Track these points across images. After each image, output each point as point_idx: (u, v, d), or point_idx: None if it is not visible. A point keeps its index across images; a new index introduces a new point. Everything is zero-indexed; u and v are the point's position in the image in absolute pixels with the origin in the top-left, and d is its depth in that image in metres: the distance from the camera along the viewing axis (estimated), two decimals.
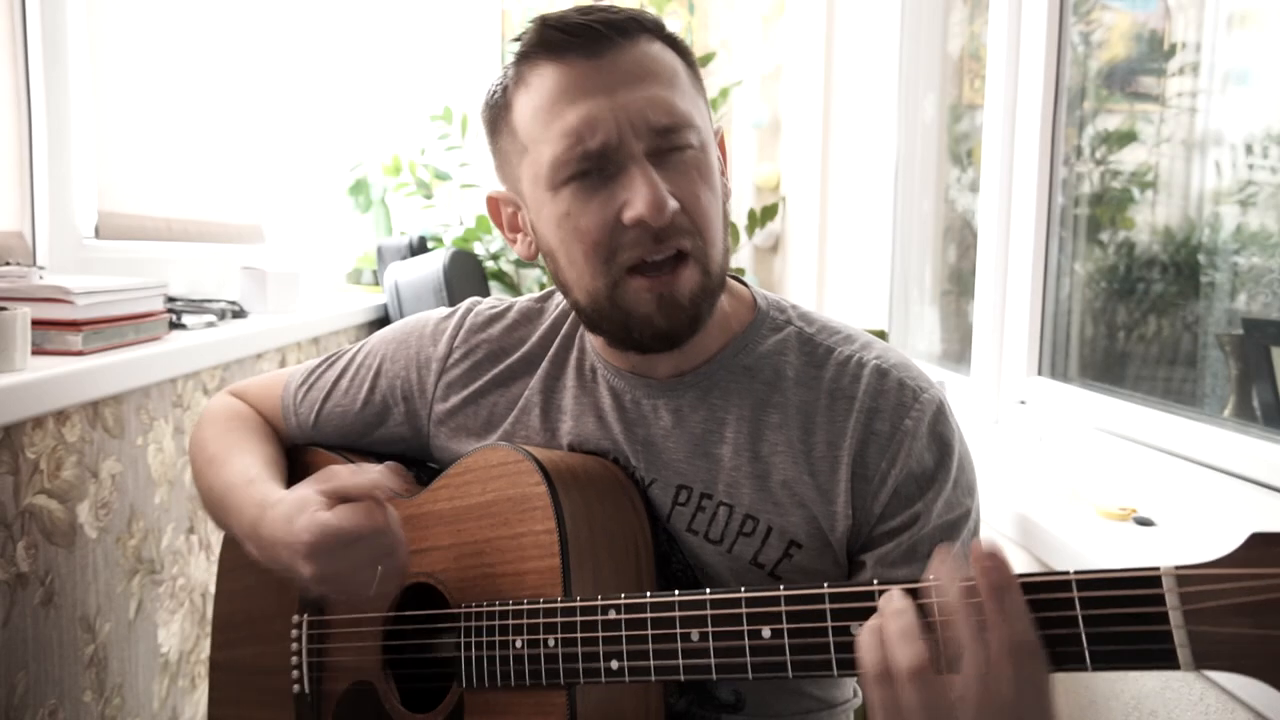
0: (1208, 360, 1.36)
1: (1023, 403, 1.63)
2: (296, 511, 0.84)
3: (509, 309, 1.02)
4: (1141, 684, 0.99)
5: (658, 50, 0.85)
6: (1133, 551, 1.03)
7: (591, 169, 0.82)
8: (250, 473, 0.97)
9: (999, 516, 1.24)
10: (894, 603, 0.65)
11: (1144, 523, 1.12)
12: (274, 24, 2.51)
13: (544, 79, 0.83)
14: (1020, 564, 1.21)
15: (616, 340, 0.89)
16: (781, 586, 0.70)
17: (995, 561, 0.61)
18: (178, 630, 1.43)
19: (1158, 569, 0.57)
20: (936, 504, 0.85)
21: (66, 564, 1.14)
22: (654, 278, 0.83)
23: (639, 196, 0.80)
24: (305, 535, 0.82)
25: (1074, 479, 1.31)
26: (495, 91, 0.89)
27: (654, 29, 0.86)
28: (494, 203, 0.95)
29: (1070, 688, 1.12)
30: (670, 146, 0.82)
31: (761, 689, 0.91)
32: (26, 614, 1.07)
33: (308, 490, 0.85)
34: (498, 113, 0.89)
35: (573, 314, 0.98)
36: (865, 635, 0.65)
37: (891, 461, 0.85)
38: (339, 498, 0.83)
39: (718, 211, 0.86)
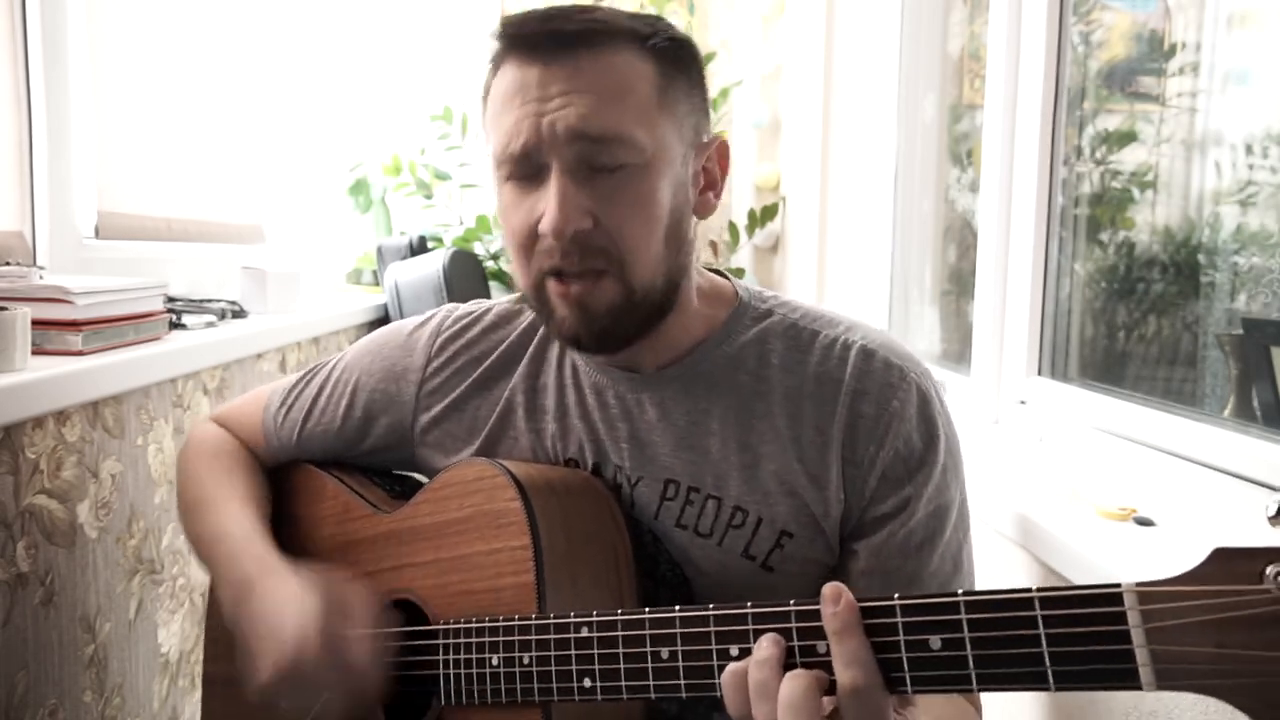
0: (1208, 360, 1.36)
1: (1023, 403, 1.63)
2: (294, 621, 0.84)
3: (486, 312, 1.02)
4: None
5: (623, 61, 0.82)
6: (1133, 551, 1.03)
7: (519, 172, 0.83)
8: (245, 526, 0.97)
9: (999, 516, 1.24)
10: (760, 651, 0.66)
11: (1144, 523, 1.12)
12: (274, 24, 2.51)
13: (506, 74, 0.85)
14: (1020, 565, 1.21)
15: (548, 330, 0.91)
16: (749, 604, 0.69)
17: (839, 605, 0.63)
18: (178, 630, 1.43)
19: (1119, 586, 0.56)
20: (927, 488, 0.85)
21: (66, 564, 1.14)
22: (566, 284, 0.83)
23: (545, 209, 0.81)
24: (289, 652, 0.82)
25: (1074, 479, 1.31)
26: (485, 80, 0.91)
27: (628, 35, 0.83)
28: None
29: None
30: (599, 163, 0.81)
31: None
32: (26, 614, 1.07)
33: (311, 599, 0.84)
34: (484, 93, 0.90)
35: None
36: (727, 677, 0.66)
37: (880, 444, 0.85)
38: (337, 639, 0.83)
39: (651, 232, 0.83)
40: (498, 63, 0.86)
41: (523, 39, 0.83)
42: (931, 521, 0.85)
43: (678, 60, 0.86)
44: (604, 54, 0.82)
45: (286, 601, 0.86)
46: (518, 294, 1.03)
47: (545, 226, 0.81)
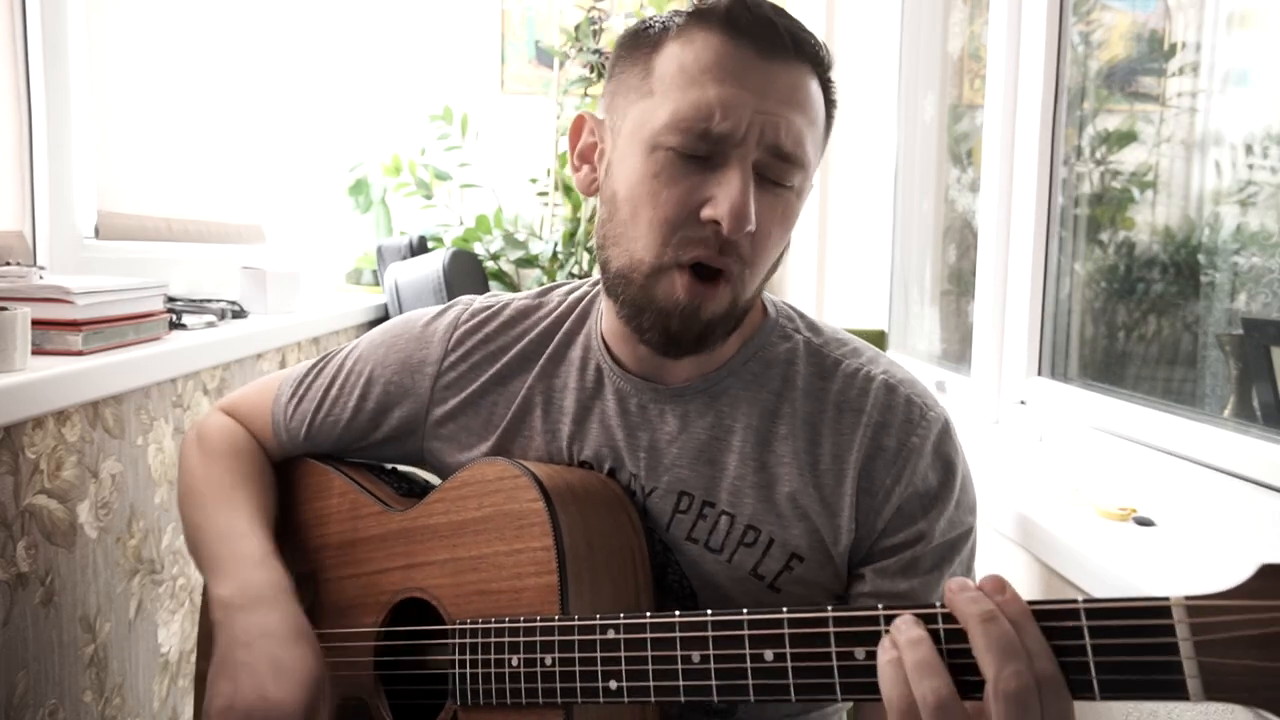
0: (1208, 360, 1.36)
1: (1023, 403, 1.63)
2: (287, 678, 0.82)
3: (504, 306, 1.00)
4: None
5: (816, 89, 0.83)
6: (1133, 552, 1.03)
7: (700, 150, 0.79)
8: (239, 528, 0.95)
9: (999, 516, 1.24)
10: (909, 632, 0.62)
11: (1144, 523, 1.12)
12: (273, 24, 2.51)
13: (709, 45, 0.80)
14: (1021, 565, 1.21)
15: (625, 315, 0.86)
16: (785, 609, 0.68)
17: (1009, 595, 0.61)
18: (178, 630, 1.43)
19: (1168, 599, 0.57)
20: (939, 522, 0.85)
21: (66, 564, 1.14)
22: (695, 282, 0.81)
23: (726, 198, 0.78)
24: (244, 709, 0.80)
25: (1074, 479, 1.31)
26: (652, 26, 0.85)
27: (824, 67, 0.84)
28: (581, 123, 0.91)
29: None
30: (777, 175, 0.81)
31: None
32: (26, 614, 1.07)
33: (304, 679, 0.83)
34: (640, 45, 0.85)
35: (574, 313, 0.97)
36: (885, 668, 0.63)
37: (896, 478, 0.85)
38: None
39: (775, 253, 0.85)
40: (699, 23, 0.81)
41: (749, 22, 0.80)
42: (941, 551, 0.85)
43: (833, 105, 0.86)
44: (809, 75, 0.82)
45: (280, 659, 0.84)
46: (537, 290, 1.02)
47: (724, 214, 0.78)
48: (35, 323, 1.12)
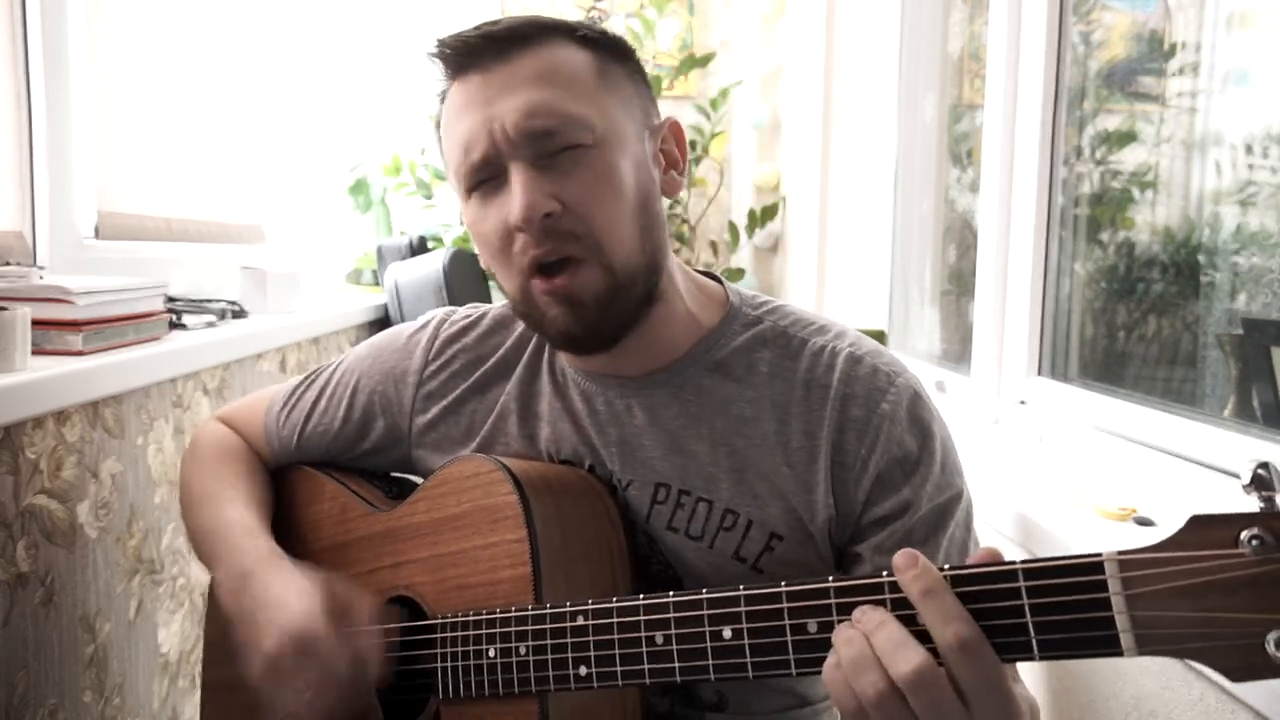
0: (1208, 360, 1.36)
1: (1023, 403, 1.63)
2: (300, 604, 0.84)
3: (482, 316, 1.03)
4: (1141, 684, 0.99)
5: (558, 53, 0.85)
6: None
7: (483, 179, 0.84)
8: (248, 520, 0.99)
9: (999, 516, 1.24)
10: (842, 634, 0.64)
11: (1144, 523, 1.12)
12: (273, 25, 2.51)
13: (452, 97, 0.87)
14: None
15: (546, 339, 0.90)
16: (742, 586, 0.69)
17: (918, 568, 0.61)
18: (178, 630, 1.43)
19: (1100, 555, 0.58)
20: (925, 488, 0.85)
21: (66, 564, 1.14)
22: (549, 280, 0.83)
23: (512, 203, 0.81)
24: (295, 628, 0.82)
25: (1074, 479, 1.31)
26: (437, 114, 0.92)
27: (558, 30, 0.86)
28: None
29: (1070, 687, 1.12)
30: (553, 147, 0.82)
31: (743, 687, 0.91)
32: (26, 614, 1.07)
33: (315, 590, 0.86)
34: (439, 128, 0.91)
35: None
36: (829, 672, 0.64)
37: (871, 447, 0.85)
38: (340, 613, 0.84)
39: (618, 209, 0.84)
40: (446, 82, 0.88)
41: (459, 53, 0.85)
42: (933, 518, 0.85)
43: (612, 49, 0.88)
44: (537, 48, 0.84)
45: (289, 588, 0.86)
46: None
47: (514, 217, 0.81)
48: (35, 323, 1.12)
